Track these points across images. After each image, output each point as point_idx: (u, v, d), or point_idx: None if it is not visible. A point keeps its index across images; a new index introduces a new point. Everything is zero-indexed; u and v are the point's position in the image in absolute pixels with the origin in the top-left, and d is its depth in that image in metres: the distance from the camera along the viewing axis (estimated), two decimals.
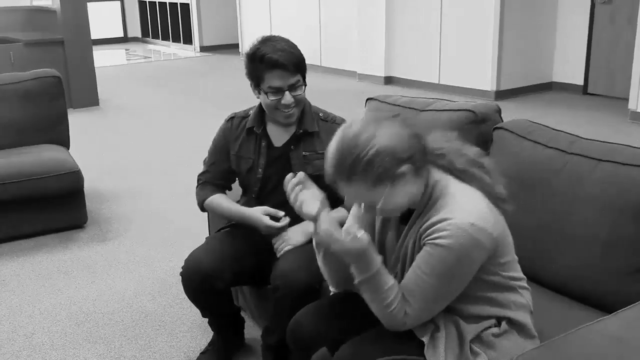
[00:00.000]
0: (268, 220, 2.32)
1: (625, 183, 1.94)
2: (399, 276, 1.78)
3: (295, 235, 2.33)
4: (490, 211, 1.66)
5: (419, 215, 1.70)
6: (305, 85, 2.37)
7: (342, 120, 2.44)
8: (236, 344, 2.69)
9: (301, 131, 2.41)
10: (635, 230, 1.90)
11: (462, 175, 1.70)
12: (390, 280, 1.66)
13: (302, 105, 2.40)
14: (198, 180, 2.58)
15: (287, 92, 2.30)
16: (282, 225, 2.33)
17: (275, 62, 2.24)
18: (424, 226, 1.64)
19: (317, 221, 1.69)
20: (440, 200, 1.65)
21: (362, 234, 1.64)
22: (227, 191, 2.60)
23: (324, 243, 1.70)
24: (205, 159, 2.59)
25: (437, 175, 1.70)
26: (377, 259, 1.66)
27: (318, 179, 2.41)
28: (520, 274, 1.81)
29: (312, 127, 2.42)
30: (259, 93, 2.35)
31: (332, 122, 2.44)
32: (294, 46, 2.33)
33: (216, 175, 2.53)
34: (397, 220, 1.79)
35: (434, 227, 1.61)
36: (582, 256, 2.01)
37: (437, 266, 1.60)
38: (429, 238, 1.62)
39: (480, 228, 1.59)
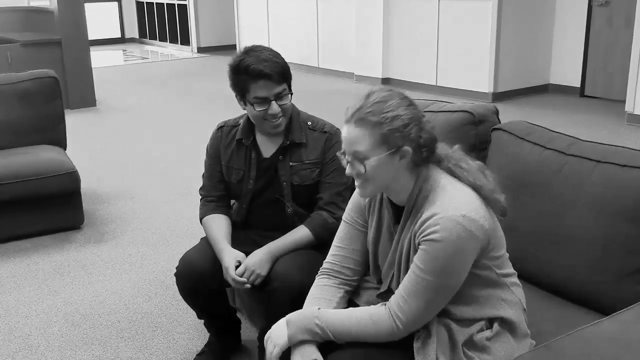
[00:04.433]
0: (233, 273, 2.26)
1: (624, 185, 1.94)
2: (395, 280, 1.77)
3: (261, 267, 2.27)
4: (482, 204, 1.66)
5: (411, 211, 1.70)
6: (291, 94, 2.35)
7: (332, 127, 2.43)
8: (233, 346, 2.69)
9: (288, 142, 2.39)
10: (633, 231, 1.90)
11: (460, 177, 1.70)
12: (357, 315, 1.71)
13: (289, 114, 2.38)
14: (200, 195, 2.57)
15: (273, 102, 2.28)
16: (240, 281, 2.26)
17: (260, 72, 2.23)
18: (417, 224, 1.65)
19: None
20: (432, 195, 1.66)
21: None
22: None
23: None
24: (204, 173, 2.58)
25: (431, 170, 1.71)
26: (325, 329, 1.71)
27: (305, 189, 2.42)
28: (511, 270, 1.81)
29: (299, 138, 2.39)
30: (245, 104, 2.34)
31: (320, 131, 2.41)
32: (278, 55, 2.31)
33: (215, 187, 2.52)
34: (392, 220, 1.79)
35: (426, 224, 1.61)
36: (580, 257, 2.01)
37: (434, 262, 1.60)
38: (422, 236, 1.62)
39: (472, 219, 1.60)
